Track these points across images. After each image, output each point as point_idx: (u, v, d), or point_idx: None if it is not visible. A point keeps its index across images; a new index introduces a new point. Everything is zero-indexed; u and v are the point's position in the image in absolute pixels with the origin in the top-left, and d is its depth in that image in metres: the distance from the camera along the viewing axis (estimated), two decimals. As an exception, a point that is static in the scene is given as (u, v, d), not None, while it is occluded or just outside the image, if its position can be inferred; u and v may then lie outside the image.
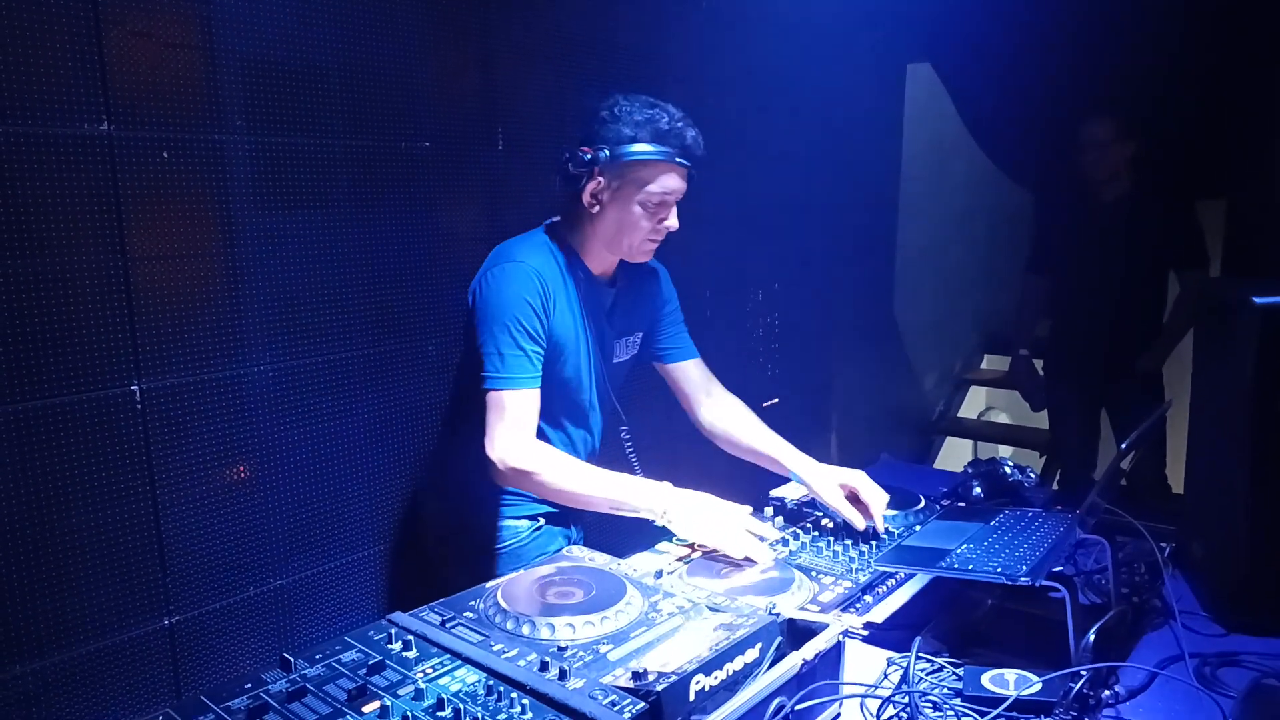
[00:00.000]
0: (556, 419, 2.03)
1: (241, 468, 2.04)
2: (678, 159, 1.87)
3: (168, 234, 1.88)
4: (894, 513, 2.02)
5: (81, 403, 1.77)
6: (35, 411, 1.71)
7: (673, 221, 1.94)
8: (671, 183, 1.89)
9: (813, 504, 2.15)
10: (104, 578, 1.83)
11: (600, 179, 1.88)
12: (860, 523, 1.91)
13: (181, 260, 1.90)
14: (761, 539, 1.82)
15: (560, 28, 2.64)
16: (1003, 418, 5.91)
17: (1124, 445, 1.71)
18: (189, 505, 1.95)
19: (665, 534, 1.96)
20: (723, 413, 2.21)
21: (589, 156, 1.85)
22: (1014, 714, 1.32)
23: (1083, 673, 1.38)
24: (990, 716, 1.31)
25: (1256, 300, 1.65)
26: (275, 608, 2.13)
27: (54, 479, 1.75)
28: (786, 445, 2.14)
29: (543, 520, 2.06)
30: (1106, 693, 1.44)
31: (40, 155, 1.68)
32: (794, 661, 1.33)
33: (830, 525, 1.98)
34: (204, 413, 1.95)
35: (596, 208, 1.91)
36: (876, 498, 1.95)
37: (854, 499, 1.97)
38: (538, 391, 1.88)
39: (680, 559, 1.82)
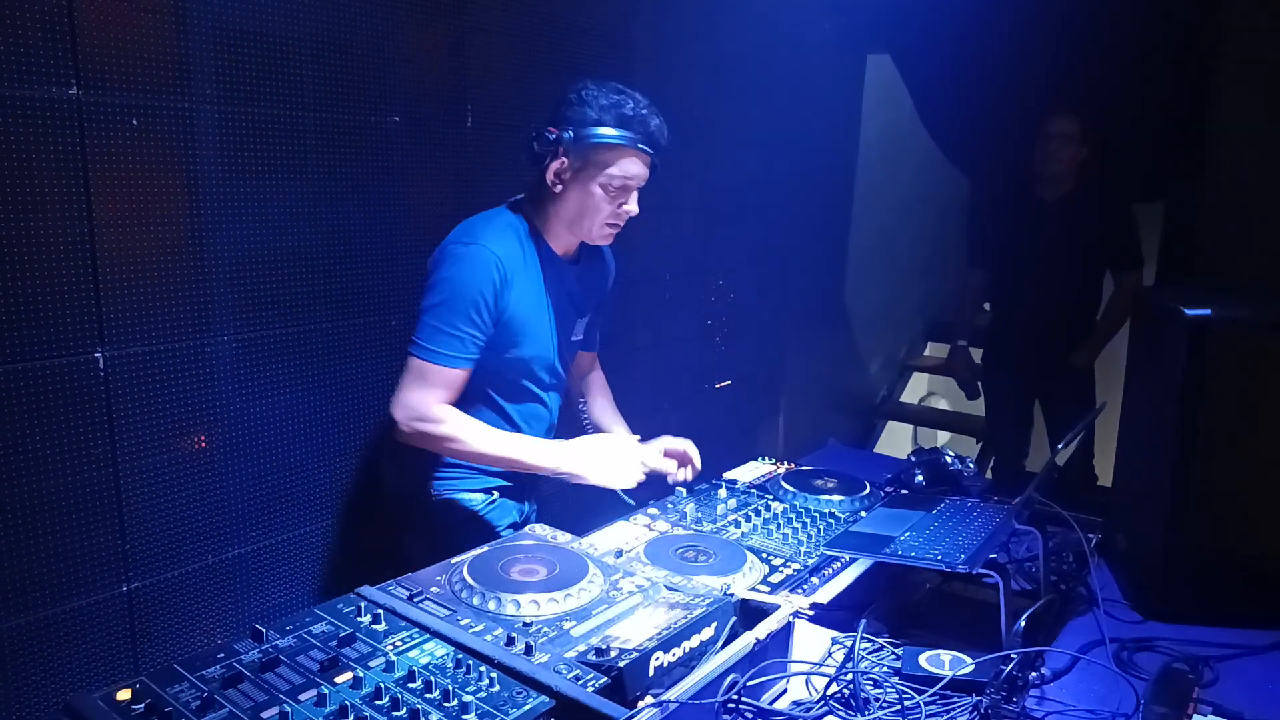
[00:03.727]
0: (519, 396, 2.08)
1: (203, 437, 2.04)
2: (640, 145, 1.93)
3: (135, 201, 1.86)
4: (841, 498, 2.11)
5: (45, 369, 1.76)
6: (-2, 376, 1.70)
7: (632, 207, 2.00)
8: (633, 168, 1.94)
9: (763, 486, 2.24)
10: (64, 543, 1.83)
11: (564, 159, 1.92)
12: (672, 466, 2.13)
13: (148, 228, 1.89)
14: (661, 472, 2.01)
15: (532, 8, 2.65)
16: (942, 404, 6.09)
17: (1060, 445, 1.82)
18: (150, 473, 1.95)
19: (623, 513, 2.03)
20: (579, 402, 2.36)
21: (554, 137, 1.90)
22: (949, 692, 1.42)
23: (1013, 655, 1.48)
24: (927, 694, 1.40)
25: (1187, 312, 1.75)
26: (233, 576, 2.14)
27: (15, 444, 1.74)
28: (618, 423, 2.32)
29: (496, 493, 2.11)
30: (1034, 674, 1.55)
31: (6, 118, 1.66)
32: (747, 640, 1.41)
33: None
34: (167, 382, 1.95)
35: (559, 187, 1.95)
36: (686, 444, 2.17)
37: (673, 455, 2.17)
38: (463, 373, 1.93)
39: (639, 536, 1.89)
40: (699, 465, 2.19)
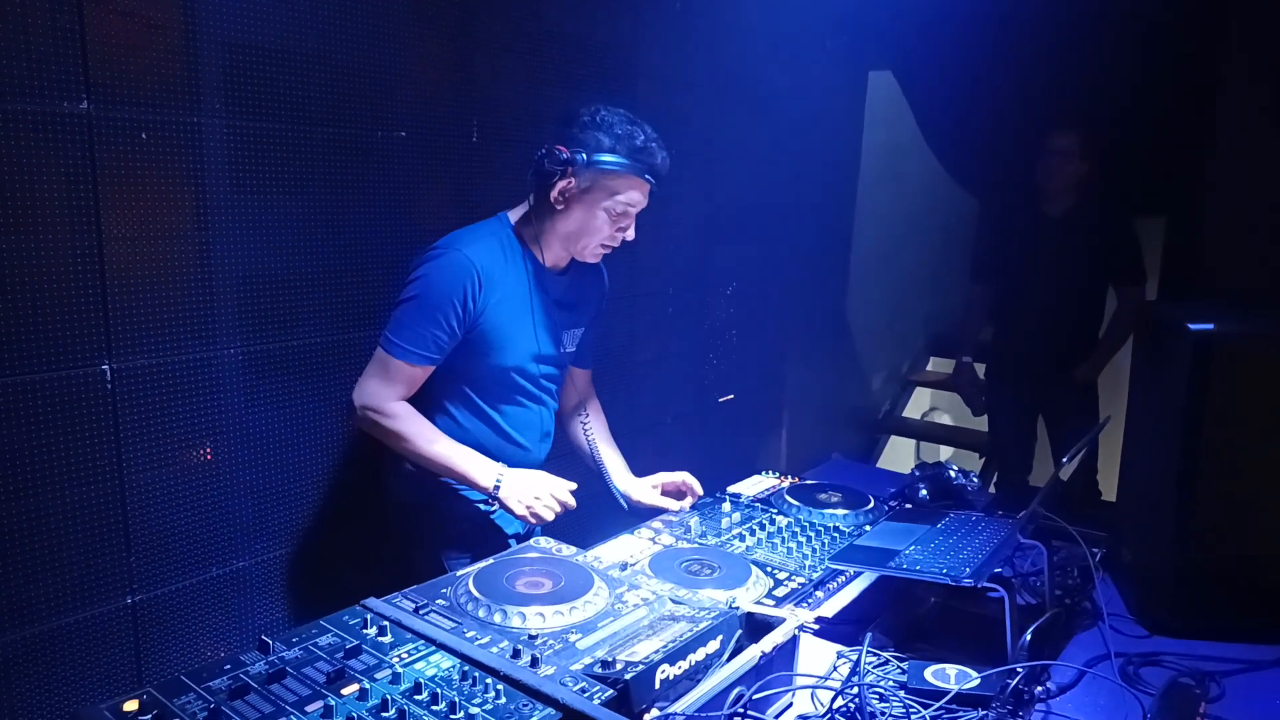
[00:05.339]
0: (507, 403, 2.12)
1: (208, 449, 2.05)
2: (646, 175, 2.00)
3: (143, 215, 1.87)
4: (845, 512, 2.12)
5: (53, 381, 1.76)
6: (6, 388, 1.70)
7: (631, 233, 2.07)
8: (637, 196, 2.02)
9: (767, 500, 2.24)
10: (69, 554, 1.83)
11: (572, 180, 1.97)
12: (672, 505, 2.19)
13: (156, 242, 1.90)
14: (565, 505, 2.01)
15: (536, 25, 2.67)
16: (945, 419, 6.08)
17: (1064, 460, 1.82)
18: (156, 485, 1.95)
19: (628, 527, 2.03)
20: (582, 419, 2.36)
21: (565, 157, 1.95)
22: (954, 707, 1.42)
23: (1019, 670, 1.48)
24: (933, 709, 1.40)
25: (1190, 326, 1.76)
26: (239, 588, 2.14)
27: (22, 456, 1.75)
28: (616, 458, 2.35)
29: (496, 504, 2.11)
30: (1039, 688, 1.55)
31: (19, 132, 1.67)
32: (753, 653, 1.41)
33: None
34: (174, 394, 1.95)
35: (562, 205, 2.00)
36: (683, 476, 2.22)
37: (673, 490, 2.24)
38: (423, 371, 1.99)
39: (644, 549, 1.89)
40: (699, 491, 2.22)
